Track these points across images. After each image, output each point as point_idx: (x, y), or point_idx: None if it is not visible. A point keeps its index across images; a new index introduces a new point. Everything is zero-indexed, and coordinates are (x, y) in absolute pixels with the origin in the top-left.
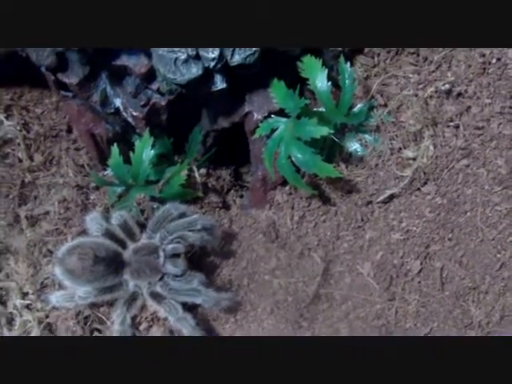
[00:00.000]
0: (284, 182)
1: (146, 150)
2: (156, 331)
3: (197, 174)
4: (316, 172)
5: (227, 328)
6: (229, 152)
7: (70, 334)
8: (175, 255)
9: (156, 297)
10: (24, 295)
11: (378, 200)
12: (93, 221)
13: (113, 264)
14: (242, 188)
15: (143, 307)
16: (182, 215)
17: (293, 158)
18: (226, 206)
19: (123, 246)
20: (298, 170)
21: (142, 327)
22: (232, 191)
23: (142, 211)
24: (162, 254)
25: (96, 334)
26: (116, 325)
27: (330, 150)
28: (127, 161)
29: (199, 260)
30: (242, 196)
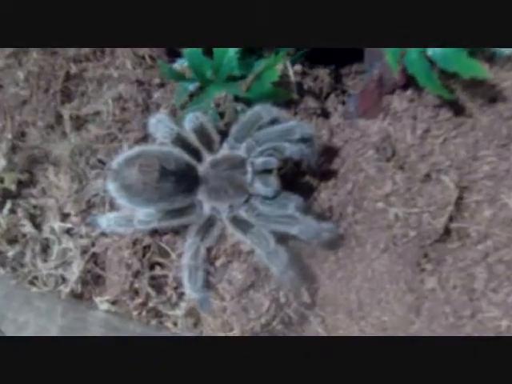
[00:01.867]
0: (405, 86)
1: None
2: (237, 268)
3: (291, 71)
4: (457, 70)
5: (325, 268)
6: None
7: (123, 267)
8: (266, 171)
9: (240, 224)
10: (64, 217)
11: None
12: (159, 124)
13: (184, 180)
14: (344, 93)
15: (221, 237)
16: (275, 121)
17: (428, 52)
18: (324, 114)
19: (198, 157)
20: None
21: (218, 262)
22: (332, 96)
23: (221, 115)
24: (249, 168)
25: (157, 269)
26: (186, 258)
27: None
28: (207, 52)
29: (293, 180)
30: (343, 103)
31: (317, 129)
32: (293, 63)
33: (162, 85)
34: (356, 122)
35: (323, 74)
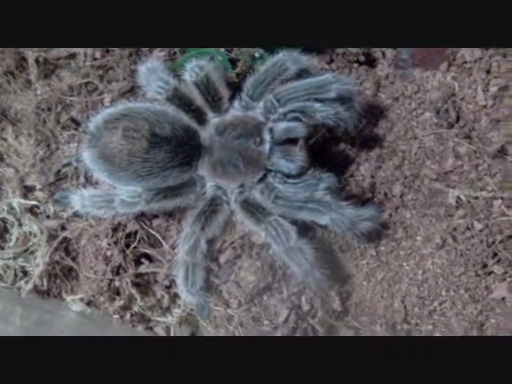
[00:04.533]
0: None
1: None
2: (247, 267)
3: None
4: None
5: (363, 265)
6: None
7: (101, 261)
8: (290, 141)
9: (252, 209)
10: (27, 191)
11: None
12: (151, 74)
13: (181, 149)
14: None
15: (228, 226)
16: (304, 73)
17: None
18: (369, 61)
19: (201, 119)
20: None
21: (223, 258)
22: None
23: (233, 62)
24: (267, 137)
25: (144, 263)
26: (181, 252)
27: None
28: None
29: (324, 150)
30: (395, 46)
31: (358, 81)
32: None
33: None
34: (410, 74)
35: None
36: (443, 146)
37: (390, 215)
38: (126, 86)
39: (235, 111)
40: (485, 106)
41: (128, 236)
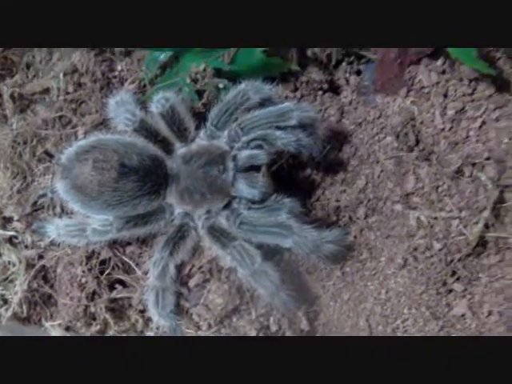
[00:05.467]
0: (435, 53)
1: None
2: (215, 290)
3: None
4: None
5: (329, 286)
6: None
7: (76, 288)
8: (253, 168)
9: (218, 235)
10: (5, 221)
11: None
12: (120, 106)
13: (150, 179)
14: (360, 59)
15: (196, 251)
16: (266, 102)
17: None
18: (333, 89)
19: (168, 149)
20: None
21: (192, 282)
22: (344, 64)
23: (200, 93)
24: (230, 164)
25: (118, 289)
26: (151, 278)
27: None
28: None
29: (289, 177)
30: (359, 73)
31: (323, 108)
32: None
33: (127, 53)
34: (372, 99)
35: None
36: (404, 169)
37: (355, 237)
38: (98, 119)
39: (201, 140)
40: (443, 129)
41: (102, 263)
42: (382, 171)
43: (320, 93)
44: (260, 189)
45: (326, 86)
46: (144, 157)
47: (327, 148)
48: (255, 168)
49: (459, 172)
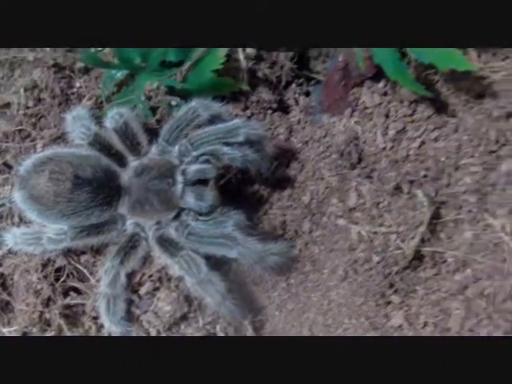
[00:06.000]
0: (377, 75)
1: None
2: (164, 298)
3: (241, 56)
4: (433, 61)
5: (274, 297)
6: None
7: (31, 294)
8: (201, 181)
9: (166, 245)
10: None
11: None
12: (76, 121)
13: (103, 190)
14: (309, 81)
15: (146, 260)
16: (216, 119)
17: None
18: (282, 108)
19: (121, 162)
20: (402, 57)
21: (143, 290)
22: (293, 85)
23: (154, 110)
24: (179, 178)
25: (72, 296)
26: (103, 285)
27: None
28: None
29: (238, 191)
30: (308, 94)
31: (272, 127)
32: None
33: (86, 70)
34: (319, 119)
35: (283, 58)
36: (347, 186)
37: (300, 250)
38: (56, 133)
39: (152, 155)
40: (384, 148)
41: (57, 271)
42: (326, 187)
43: (269, 112)
44: (207, 201)
45: (275, 105)
46: (97, 169)
47: (275, 164)
48: (203, 182)
49: (398, 189)
